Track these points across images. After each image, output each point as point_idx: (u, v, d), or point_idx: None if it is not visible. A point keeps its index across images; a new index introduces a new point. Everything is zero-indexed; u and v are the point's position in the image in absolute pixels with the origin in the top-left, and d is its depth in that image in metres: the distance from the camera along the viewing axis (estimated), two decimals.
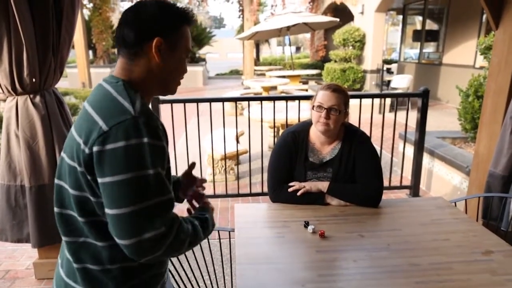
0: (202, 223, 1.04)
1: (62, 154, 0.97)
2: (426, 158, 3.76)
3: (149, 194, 0.85)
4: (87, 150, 0.85)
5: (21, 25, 1.93)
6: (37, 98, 2.12)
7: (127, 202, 0.83)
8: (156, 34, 0.93)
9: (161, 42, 0.93)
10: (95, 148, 0.84)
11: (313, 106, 1.73)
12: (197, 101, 3.24)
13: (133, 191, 0.83)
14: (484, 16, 7.84)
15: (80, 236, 0.94)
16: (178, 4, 1.00)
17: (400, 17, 12.22)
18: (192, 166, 1.31)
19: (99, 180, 0.85)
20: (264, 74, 12.94)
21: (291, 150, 1.81)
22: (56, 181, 0.99)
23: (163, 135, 0.91)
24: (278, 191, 1.78)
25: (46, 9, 2.00)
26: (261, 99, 3.76)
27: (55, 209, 0.99)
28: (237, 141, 4.14)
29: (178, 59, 0.99)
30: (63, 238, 0.98)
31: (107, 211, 0.85)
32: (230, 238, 1.63)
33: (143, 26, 0.93)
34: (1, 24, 1.95)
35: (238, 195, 3.54)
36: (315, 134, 1.81)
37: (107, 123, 0.85)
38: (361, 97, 3.44)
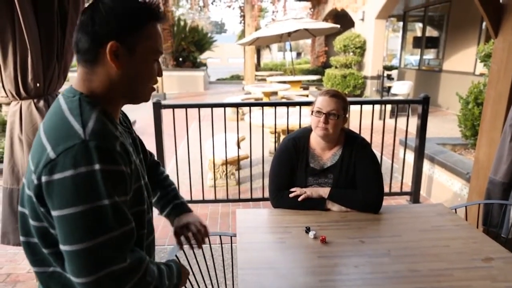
0: (170, 271, 0.97)
1: (24, 179, 0.90)
2: (426, 164, 3.77)
3: (104, 228, 0.76)
4: (35, 181, 0.78)
5: (26, 30, 1.96)
6: (41, 103, 2.14)
7: (80, 238, 0.74)
8: (110, 38, 0.82)
9: (117, 46, 0.82)
10: (43, 179, 0.76)
11: (312, 112, 1.76)
12: (199, 106, 3.26)
13: (85, 225, 0.75)
14: (484, 24, 7.89)
15: (49, 266, 0.87)
16: None
17: (400, 23, 12.31)
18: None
19: (51, 212, 0.77)
20: (265, 80, 12.99)
21: (292, 156, 1.83)
22: (20, 208, 0.90)
23: (122, 157, 0.81)
24: (279, 196, 1.79)
25: (51, 14, 2.03)
26: (263, 104, 3.79)
27: (21, 238, 0.90)
28: (238, 146, 4.16)
29: (141, 63, 0.87)
30: (33, 269, 0.90)
31: (61, 246, 0.77)
32: (231, 243, 1.63)
33: (96, 30, 0.82)
34: (6, 29, 1.97)
35: (239, 200, 3.55)
36: (316, 140, 1.83)
37: (54, 150, 0.76)
38: (362, 103, 3.46)
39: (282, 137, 4.67)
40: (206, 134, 3.46)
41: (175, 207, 1.29)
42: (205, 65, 16.53)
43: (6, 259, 2.73)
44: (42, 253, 0.86)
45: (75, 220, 0.74)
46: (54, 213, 0.76)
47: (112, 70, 0.84)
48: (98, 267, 0.76)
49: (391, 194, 3.63)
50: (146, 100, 0.94)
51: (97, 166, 0.75)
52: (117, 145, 0.81)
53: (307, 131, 1.87)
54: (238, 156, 3.74)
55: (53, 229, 0.81)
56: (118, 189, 0.79)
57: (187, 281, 1.33)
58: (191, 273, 1.64)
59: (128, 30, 0.84)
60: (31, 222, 0.84)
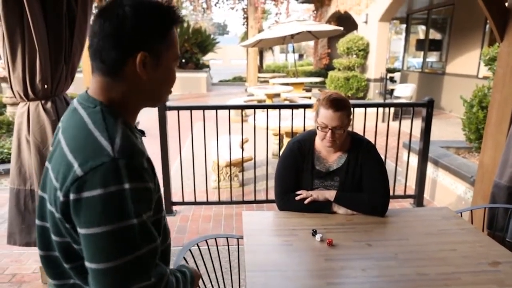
0: (184, 278, 0.98)
1: (42, 193, 0.87)
2: (430, 167, 3.77)
3: (132, 247, 0.75)
4: (61, 198, 0.76)
5: (35, 32, 1.97)
6: (48, 104, 2.16)
7: (107, 257, 0.74)
8: (140, 48, 0.80)
9: (146, 56, 0.81)
10: (71, 196, 0.74)
11: (318, 126, 1.72)
12: (204, 108, 3.27)
13: (113, 245, 0.74)
14: (487, 26, 7.89)
15: (70, 278, 0.86)
16: (160, 1, 0.85)
17: (403, 25, 12.31)
18: None
19: (78, 229, 0.76)
20: (267, 81, 13.01)
21: (297, 159, 1.83)
22: (38, 222, 0.89)
23: (148, 174, 0.80)
24: (285, 199, 1.80)
25: (60, 17, 2.04)
26: (267, 107, 3.80)
27: (40, 252, 0.89)
28: (242, 148, 4.17)
29: (165, 70, 0.86)
30: (51, 281, 0.89)
31: (87, 263, 0.76)
32: (238, 245, 1.64)
33: (125, 42, 0.79)
34: (16, 31, 1.99)
35: (243, 202, 3.56)
36: (321, 143, 1.83)
37: (82, 167, 0.74)
38: (366, 106, 3.47)
39: (285, 139, 4.68)
40: (209, 136, 3.47)
41: None
42: (207, 66, 16.58)
43: (11, 259, 2.74)
44: (62, 266, 0.85)
45: (103, 239, 0.73)
46: (81, 231, 0.75)
47: (137, 78, 0.83)
48: (123, 286, 0.75)
49: (394, 197, 3.63)
50: (165, 102, 0.94)
51: (126, 185, 0.74)
52: (144, 161, 0.80)
53: (312, 134, 1.88)
54: (242, 158, 3.75)
55: (76, 245, 0.80)
56: (144, 206, 0.79)
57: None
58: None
59: (156, 38, 0.82)
60: (53, 237, 0.83)
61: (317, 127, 1.73)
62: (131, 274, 0.76)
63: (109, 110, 0.82)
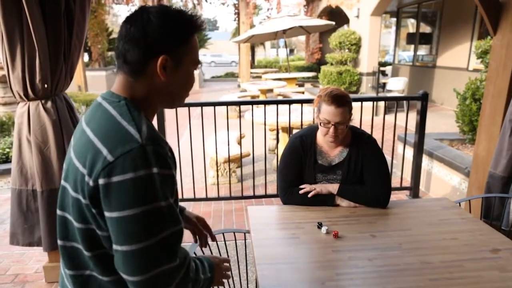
0: (202, 266, 1.01)
1: (64, 183, 0.90)
2: (425, 159, 3.84)
3: (161, 227, 0.80)
4: (91, 183, 0.79)
5: (34, 32, 1.96)
6: (49, 104, 2.15)
7: (139, 238, 0.78)
8: (162, 52, 0.85)
9: (167, 59, 0.86)
10: (100, 181, 0.78)
11: (320, 122, 1.74)
12: (202, 105, 3.28)
13: (145, 226, 0.78)
14: (477, 20, 7.99)
15: (86, 269, 0.89)
16: (184, 9, 0.90)
17: (393, 19, 12.39)
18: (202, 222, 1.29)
19: (106, 214, 0.79)
20: (260, 77, 13.01)
21: (299, 153, 1.86)
22: (59, 212, 0.92)
23: (172, 161, 0.86)
24: (289, 193, 1.83)
25: (58, 16, 2.03)
26: (265, 102, 3.82)
27: (59, 242, 0.92)
28: (240, 144, 4.19)
29: (185, 74, 0.91)
30: (67, 272, 0.92)
31: (116, 247, 0.80)
32: (245, 240, 1.67)
33: (148, 44, 0.84)
34: (15, 31, 1.98)
35: (242, 197, 3.59)
36: (322, 138, 1.86)
37: (112, 153, 0.78)
38: (362, 100, 3.50)
39: (281, 134, 4.71)
40: (206, 132, 3.48)
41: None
42: (199, 62, 16.44)
43: (12, 259, 2.73)
44: (80, 256, 0.88)
45: (134, 221, 0.77)
46: (112, 214, 0.78)
47: (158, 80, 0.88)
48: (152, 266, 0.79)
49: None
50: (182, 104, 0.99)
51: (155, 170, 0.78)
52: (167, 150, 0.85)
53: (314, 129, 1.91)
54: (241, 153, 3.77)
55: (100, 231, 0.83)
56: (170, 191, 0.83)
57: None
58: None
59: (177, 43, 0.87)
60: (76, 225, 0.86)
61: (320, 123, 1.75)
62: (159, 254, 0.80)
63: (133, 104, 0.87)
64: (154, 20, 0.84)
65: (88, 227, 0.84)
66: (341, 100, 1.70)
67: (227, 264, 1.15)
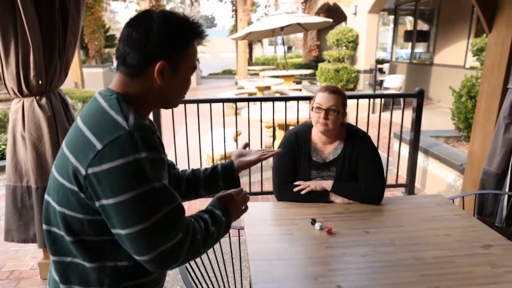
0: (213, 216, 0.99)
1: (53, 169, 0.92)
2: (420, 156, 3.85)
3: (158, 207, 0.83)
4: (83, 171, 0.81)
5: (28, 27, 1.95)
6: (43, 100, 2.14)
7: (139, 220, 0.81)
8: (160, 57, 0.87)
9: (165, 65, 0.88)
10: (91, 170, 0.80)
11: (313, 108, 1.80)
12: (198, 102, 3.27)
13: (141, 208, 0.81)
14: (474, 17, 8.00)
15: (68, 255, 0.90)
16: (185, 15, 0.92)
17: (390, 17, 12.39)
18: (245, 145, 1.36)
19: (103, 201, 0.81)
20: (257, 74, 12.99)
21: (294, 150, 1.87)
22: (46, 196, 0.94)
23: (161, 146, 0.88)
24: (283, 190, 1.83)
25: (53, 11, 2.02)
26: (261, 99, 3.82)
27: (43, 226, 0.94)
28: (236, 141, 4.19)
29: (181, 79, 0.93)
30: (51, 257, 0.94)
31: (119, 231, 0.82)
32: (239, 236, 1.67)
33: (148, 50, 0.86)
34: (8, 27, 1.97)
35: None
36: (317, 135, 1.87)
37: (101, 141, 0.80)
38: (358, 97, 3.51)
39: (278, 131, 4.72)
40: (202, 129, 3.48)
41: (218, 167, 1.34)
42: (197, 60, 16.43)
43: (7, 256, 2.73)
44: (62, 241, 0.91)
45: (130, 205, 0.80)
46: (108, 201, 0.80)
47: (154, 83, 0.90)
48: (157, 244, 0.83)
49: (386, 186, 3.69)
50: (176, 106, 1.02)
51: (143, 154, 0.81)
52: (155, 137, 0.87)
53: (308, 125, 1.92)
54: None
55: (87, 215, 0.85)
56: (162, 174, 0.86)
57: (198, 272, 1.36)
58: (200, 264, 1.68)
59: (176, 50, 0.89)
60: (57, 209, 0.88)
61: (312, 108, 1.80)
62: (161, 232, 0.83)
63: (123, 98, 0.90)
64: (156, 26, 0.86)
65: (70, 212, 0.86)
66: (335, 89, 1.79)
67: (242, 195, 1.14)
